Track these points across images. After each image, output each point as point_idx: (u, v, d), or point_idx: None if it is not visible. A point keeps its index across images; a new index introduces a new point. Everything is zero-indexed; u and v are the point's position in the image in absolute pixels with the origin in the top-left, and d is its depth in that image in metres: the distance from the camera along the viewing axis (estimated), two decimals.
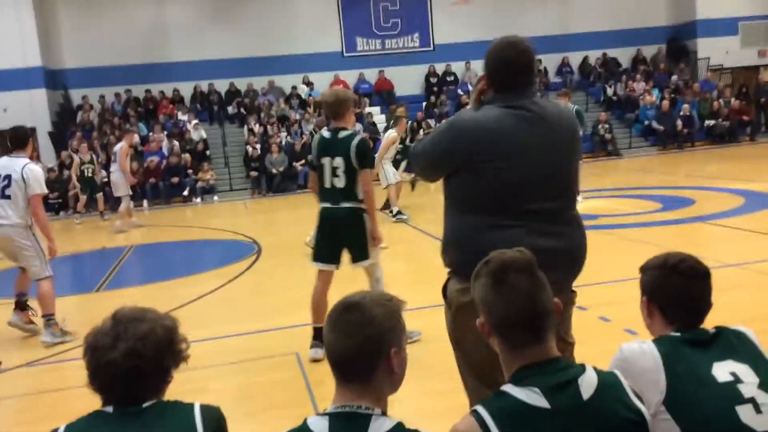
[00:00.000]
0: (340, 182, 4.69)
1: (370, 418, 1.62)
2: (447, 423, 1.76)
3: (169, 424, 1.73)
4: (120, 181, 12.63)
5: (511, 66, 2.43)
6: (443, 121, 20.66)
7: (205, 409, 1.81)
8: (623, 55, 23.48)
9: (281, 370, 4.67)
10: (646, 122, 20.47)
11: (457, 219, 2.48)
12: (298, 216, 11.45)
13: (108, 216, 14.83)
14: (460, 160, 2.42)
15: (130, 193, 12.96)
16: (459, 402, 2.60)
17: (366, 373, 1.65)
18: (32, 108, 19.34)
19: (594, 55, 23.26)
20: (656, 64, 23.23)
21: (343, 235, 4.79)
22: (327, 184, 4.74)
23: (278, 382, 4.50)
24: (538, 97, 2.50)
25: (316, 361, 4.63)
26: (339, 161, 4.67)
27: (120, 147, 12.72)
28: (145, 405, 1.76)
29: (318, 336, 4.68)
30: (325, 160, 4.72)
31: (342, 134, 4.73)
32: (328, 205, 4.79)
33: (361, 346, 1.63)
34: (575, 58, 23.20)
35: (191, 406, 1.80)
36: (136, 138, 15.32)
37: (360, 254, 4.82)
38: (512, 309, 1.71)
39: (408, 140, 13.75)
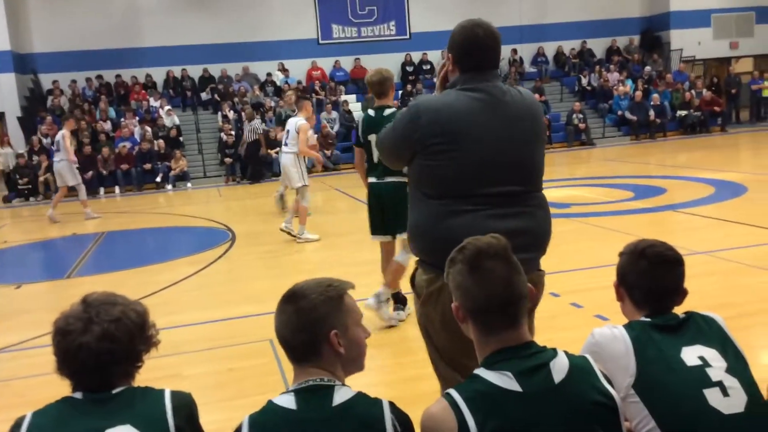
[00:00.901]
0: None
1: (333, 388, 1.72)
2: (420, 408, 1.78)
3: (139, 411, 1.71)
4: (66, 169, 12.15)
5: (475, 46, 2.40)
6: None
7: (175, 395, 1.79)
8: (598, 46, 23.66)
9: (255, 357, 4.65)
10: (620, 112, 20.67)
11: (418, 206, 2.47)
12: (272, 203, 11.38)
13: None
14: (416, 144, 2.39)
15: (80, 180, 12.55)
16: (433, 388, 2.61)
17: (312, 354, 1.76)
18: (0, 92, 18.96)
19: (569, 45, 23.40)
20: (630, 55, 23.45)
21: (387, 207, 5.02)
22: (375, 159, 5.00)
23: (252, 368, 4.49)
24: (501, 82, 2.47)
25: (401, 321, 5.07)
26: None
27: (62, 134, 12.17)
28: (114, 391, 1.75)
29: (398, 300, 5.19)
30: (372, 137, 4.92)
31: (386, 112, 5.02)
32: (374, 179, 5.06)
33: (299, 330, 1.76)
34: (550, 48, 23.32)
35: (161, 392, 1.79)
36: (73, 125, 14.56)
37: (402, 226, 5.01)
38: (488, 294, 1.72)
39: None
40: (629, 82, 21.56)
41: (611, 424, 1.67)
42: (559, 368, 1.69)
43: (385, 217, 5.08)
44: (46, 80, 20.35)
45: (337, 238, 8.79)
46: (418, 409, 1.78)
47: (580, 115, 19.98)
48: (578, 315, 4.97)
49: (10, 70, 19.23)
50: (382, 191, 5.02)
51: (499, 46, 2.47)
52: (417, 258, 2.53)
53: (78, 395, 1.75)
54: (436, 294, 2.19)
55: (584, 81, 22.16)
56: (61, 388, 1.87)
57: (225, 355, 4.81)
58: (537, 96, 20.50)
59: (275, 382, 4.12)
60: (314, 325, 1.75)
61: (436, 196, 2.38)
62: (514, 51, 22.54)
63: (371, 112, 5.13)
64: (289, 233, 8.72)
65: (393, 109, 5.07)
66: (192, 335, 5.18)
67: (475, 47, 2.41)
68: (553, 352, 1.73)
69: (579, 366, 1.73)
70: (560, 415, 1.63)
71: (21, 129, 18.86)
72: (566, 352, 1.76)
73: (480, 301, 1.74)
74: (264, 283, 6.76)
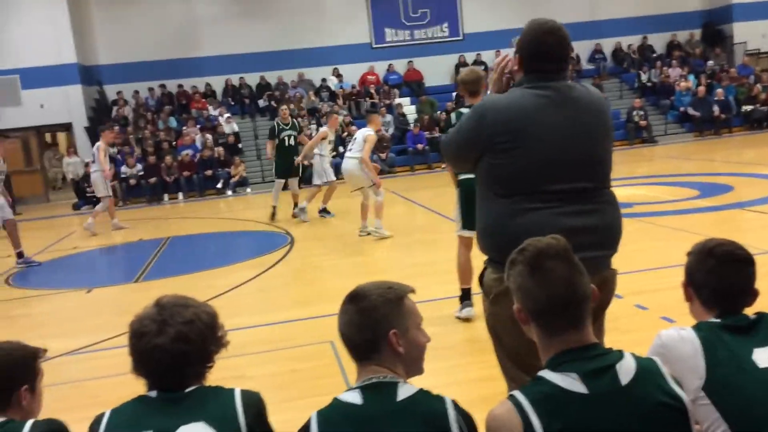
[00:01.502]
0: None
1: (397, 385, 1.76)
2: (482, 410, 1.78)
3: (211, 409, 1.77)
4: (99, 180, 12.31)
5: (545, 48, 2.41)
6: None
7: (245, 394, 1.85)
8: (657, 41, 23.05)
9: (316, 359, 4.72)
10: (682, 108, 20.09)
11: (487, 205, 2.47)
12: (331, 207, 11.50)
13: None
14: (484, 144, 2.40)
15: (110, 194, 12.57)
16: (498, 390, 2.60)
17: (373, 352, 1.81)
18: (68, 104, 19.74)
19: (627, 41, 22.89)
20: (692, 50, 22.78)
21: None
22: None
23: (314, 369, 4.55)
24: (568, 80, 2.47)
25: (468, 320, 5.08)
26: None
27: (97, 146, 12.39)
28: (187, 390, 1.81)
29: (467, 297, 5.17)
30: None
31: None
32: (469, 175, 4.99)
33: (360, 329, 1.83)
34: (608, 45, 22.85)
35: (232, 391, 1.84)
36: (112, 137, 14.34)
37: None
38: (549, 295, 1.71)
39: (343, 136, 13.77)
40: (691, 78, 20.95)
41: (681, 426, 1.64)
42: (626, 370, 1.66)
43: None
44: (110, 91, 21.07)
45: (394, 240, 8.82)
46: (480, 412, 1.79)
47: (641, 112, 19.52)
48: (643, 317, 4.87)
49: (77, 82, 19.98)
50: (473, 187, 5.10)
51: (569, 48, 2.47)
52: (485, 258, 2.53)
53: (153, 394, 1.82)
54: (505, 293, 2.18)
55: (644, 77, 21.64)
56: (130, 388, 1.95)
57: (287, 357, 4.88)
58: None
59: (337, 384, 4.16)
60: (374, 324, 1.82)
61: (505, 194, 2.38)
62: (570, 48, 22.15)
63: (464, 110, 5.17)
64: (369, 234, 9.09)
65: None
66: (254, 337, 5.28)
67: (544, 50, 2.41)
68: (620, 354, 1.71)
69: (646, 368, 1.69)
70: (627, 418, 1.60)
71: (88, 139, 19.56)
72: (633, 354, 1.73)
73: (541, 302, 1.73)
74: (322, 285, 6.84)
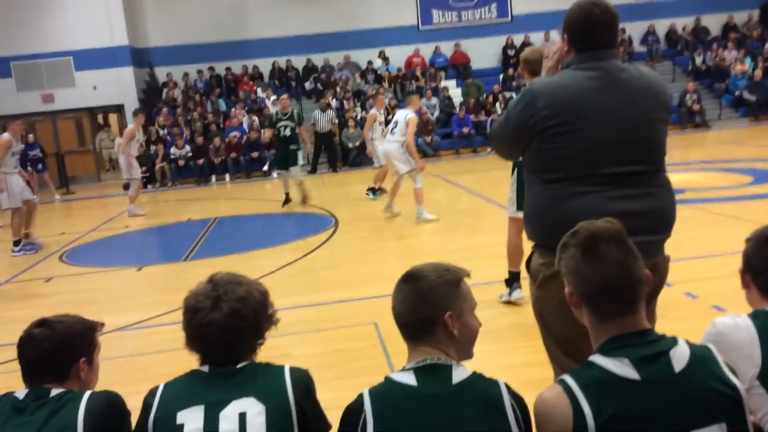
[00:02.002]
0: None
1: (451, 367, 1.76)
2: (528, 395, 1.78)
3: (262, 384, 1.81)
4: (123, 164, 12.23)
5: (592, 25, 2.34)
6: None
7: (294, 371, 1.88)
8: (713, 22, 22.32)
9: (360, 340, 4.76)
10: (737, 92, 19.46)
11: (535, 189, 2.43)
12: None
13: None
14: (534, 128, 2.34)
15: (136, 176, 12.34)
16: (545, 375, 2.59)
17: (427, 333, 1.79)
18: (120, 85, 20.15)
19: (681, 23, 22.23)
20: (749, 32, 22.00)
21: None
22: None
23: (358, 350, 4.59)
24: (620, 61, 2.40)
25: (516, 303, 5.10)
26: None
27: (127, 129, 12.32)
28: (239, 366, 1.85)
29: (515, 279, 5.15)
30: None
31: None
32: None
33: (415, 309, 1.81)
34: (661, 26, 22.23)
35: (282, 368, 1.87)
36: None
37: None
38: (603, 279, 1.68)
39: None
40: (748, 61, 20.24)
41: (735, 415, 1.60)
42: (680, 357, 1.63)
43: None
44: (161, 73, 21.45)
45: (438, 224, 8.80)
46: (528, 397, 1.78)
47: (694, 96, 18.98)
48: (693, 305, 4.77)
49: (129, 64, 20.38)
50: None
51: (616, 24, 2.40)
52: (533, 243, 2.50)
53: (205, 369, 1.86)
54: (553, 278, 2.16)
55: (698, 60, 21.01)
56: (179, 364, 2.00)
57: (331, 337, 4.94)
58: None
59: (381, 365, 4.20)
60: (430, 304, 1.80)
61: (555, 179, 2.34)
62: (623, 30, 21.64)
63: None
64: (392, 214, 9.32)
65: None
66: (298, 318, 5.35)
67: (591, 27, 2.34)
68: (673, 340, 1.68)
69: (701, 355, 1.66)
70: (680, 405, 1.57)
71: None
72: (687, 341, 1.70)
73: (594, 285, 1.70)
74: (366, 268, 6.88)
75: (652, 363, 1.61)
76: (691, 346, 1.69)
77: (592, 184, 2.29)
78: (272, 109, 19.53)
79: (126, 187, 17.45)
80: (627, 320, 1.69)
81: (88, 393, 1.92)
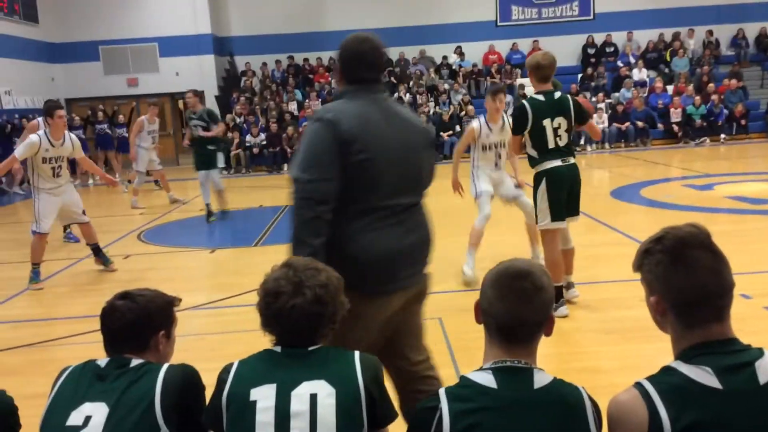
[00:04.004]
0: (562, 141, 5.00)
1: (532, 371, 1.72)
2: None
3: (333, 368, 1.84)
4: (136, 155, 12.02)
5: (362, 59, 2.47)
6: (584, 95, 19.28)
7: (364, 357, 1.90)
8: None
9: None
10: None
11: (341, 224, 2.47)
12: (445, 185, 11.46)
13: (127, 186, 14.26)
14: (339, 153, 2.35)
15: (141, 170, 12.10)
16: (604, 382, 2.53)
17: (531, 335, 1.75)
18: (201, 72, 20.74)
19: None
20: None
21: (572, 189, 5.04)
22: (551, 144, 4.98)
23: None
24: (387, 95, 2.56)
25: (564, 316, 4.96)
26: (560, 121, 4.98)
27: (138, 120, 12.14)
28: (310, 348, 1.88)
29: (560, 295, 4.96)
30: (546, 122, 4.98)
31: (557, 95, 5.09)
32: (558, 163, 4.99)
33: (535, 313, 1.74)
34: (752, 30, 21.26)
35: (352, 353, 1.90)
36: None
37: (578, 208, 5.14)
38: (696, 285, 1.62)
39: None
40: None
41: None
42: (766, 368, 1.57)
43: (570, 200, 5.03)
44: (240, 62, 21.95)
45: (505, 224, 8.68)
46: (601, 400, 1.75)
47: None
48: None
49: (210, 52, 20.95)
50: (571, 173, 5.00)
51: (383, 58, 2.55)
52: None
53: (278, 349, 1.90)
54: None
55: None
56: (247, 346, 2.05)
57: None
58: (734, 81, 18.82)
59: (444, 361, 4.17)
60: (546, 307, 1.76)
61: (348, 210, 2.48)
62: (710, 32, 20.85)
63: (540, 97, 5.07)
64: None
65: (560, 94, 5.12)
66: None
67: (360, 62, 2.49)
68: (759, 352, 1.61)
69: None
70: (764, 418, 1.51)
71: (218, 107, 20.52)
72: None
73: (686, 292, 1.63)
74: (432, 264, 6.85)
75: (735, 373, 1.56)
76: None
77: (382, 216, 2.44)
78: None
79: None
80: (714, 328, 1.63)
81: (166, 365, 2.00)
